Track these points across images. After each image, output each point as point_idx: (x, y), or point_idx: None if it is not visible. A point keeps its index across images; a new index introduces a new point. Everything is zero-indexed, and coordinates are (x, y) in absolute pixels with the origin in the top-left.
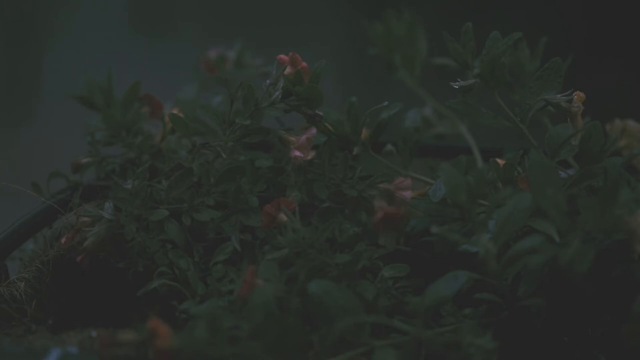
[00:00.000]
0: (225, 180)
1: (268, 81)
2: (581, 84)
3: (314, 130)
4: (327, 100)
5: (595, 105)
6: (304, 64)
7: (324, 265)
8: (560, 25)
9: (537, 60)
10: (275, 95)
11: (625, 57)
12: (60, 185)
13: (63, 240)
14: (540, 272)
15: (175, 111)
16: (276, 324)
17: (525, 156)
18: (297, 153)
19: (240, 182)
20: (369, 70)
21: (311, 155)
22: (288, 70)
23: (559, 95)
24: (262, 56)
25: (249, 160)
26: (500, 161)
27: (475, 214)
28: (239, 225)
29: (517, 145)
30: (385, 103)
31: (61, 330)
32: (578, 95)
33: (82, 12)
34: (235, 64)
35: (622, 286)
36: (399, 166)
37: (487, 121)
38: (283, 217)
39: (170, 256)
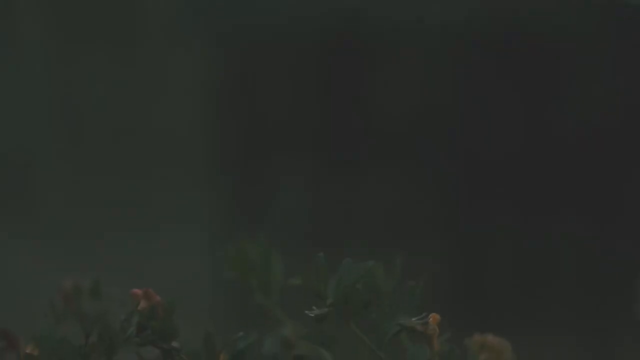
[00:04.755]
0: None
1: (122, 317)
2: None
3: None
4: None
5: None
6: (158, 298)
7: None
8: None
9: (393, 280)
10: (130, 330)
11: None
12: None
13: None
14: None
15: (28, 350)
16: None
17: None
18: None
19: None
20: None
21: None
22: (142, 305)
23: (414, 319)
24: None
25: None
26: None
27: None
28: None
29: None
30: (241, 334)
31: None
32: (434, 318)
33: None
34: (91, 294)
35: None
36: None
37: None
38: None
39: None
